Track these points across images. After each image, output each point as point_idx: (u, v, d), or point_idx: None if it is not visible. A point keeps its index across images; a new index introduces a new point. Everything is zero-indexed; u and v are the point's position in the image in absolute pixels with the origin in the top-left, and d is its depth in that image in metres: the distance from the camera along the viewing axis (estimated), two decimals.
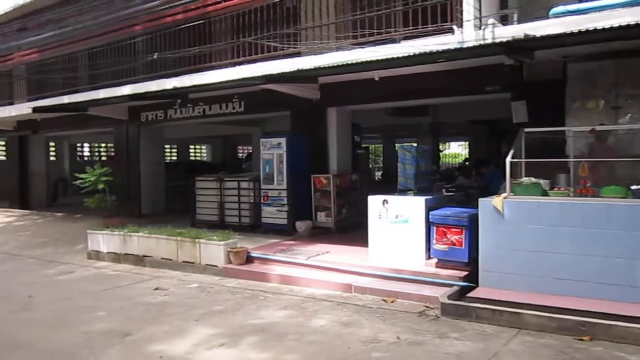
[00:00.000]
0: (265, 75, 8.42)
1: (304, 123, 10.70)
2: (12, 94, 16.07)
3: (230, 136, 23.35)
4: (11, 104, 15.63)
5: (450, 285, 6.43)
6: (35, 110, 12.77)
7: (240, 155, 28.91)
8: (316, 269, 7.59)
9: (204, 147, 29.59)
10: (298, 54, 9.19)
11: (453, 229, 6.71)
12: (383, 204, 7.33)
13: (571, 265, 5.72)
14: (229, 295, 7.10)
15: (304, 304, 6.53)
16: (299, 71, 8.18)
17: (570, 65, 7.33)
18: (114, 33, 11.86)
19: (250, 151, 26.06)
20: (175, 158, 26.85)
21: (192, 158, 28.80)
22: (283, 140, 10.09)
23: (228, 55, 10.22)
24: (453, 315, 5.73)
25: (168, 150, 25.11)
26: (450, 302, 5.87)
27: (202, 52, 10.41)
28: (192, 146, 28.78)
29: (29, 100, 14.45)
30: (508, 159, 6.20)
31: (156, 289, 7.58)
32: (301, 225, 9.82)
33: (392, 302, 6.41)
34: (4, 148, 22.38)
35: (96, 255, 9.97)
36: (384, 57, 7.10)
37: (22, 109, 14.19)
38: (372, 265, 7.22)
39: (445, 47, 6.91)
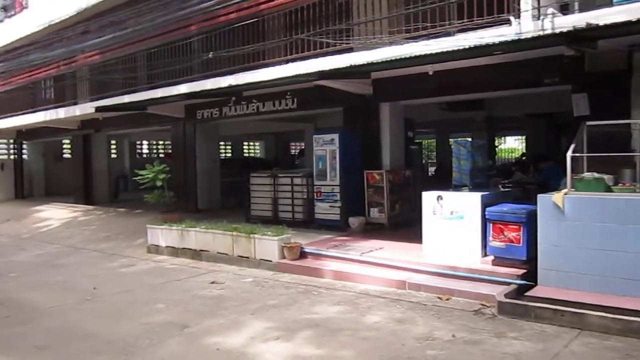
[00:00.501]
0: (318, 72, 8.43)
1: (356, 119, 10.68)
2: (76, 94, 16.77)
3: (282, 133, 23.63)
4: (75, 104, 16.31)
5: (508, 284, 6.28)
6: (98, 109, 13.29)
7: (293, 151, 29.17)
8: (370, 265, 7.57)
9: (257, 143, 30.03)
10: (350, 50, 9.15)
11: (510, 226, 6.54)
12: (437, 200, 7.23)
13: (638, 265, 5.46)
14: (283, 290, 7.19)
15: (358, 300, 6.53)
16: (351, 67, 8.15)
17: (637, 55, 6.98)
18: (171, 34, 12.17)
19: (303, 147, 26.25)
20: (229, 155, 27.36)
21: (246, 155, 29.30)
22: (336, 136, 10.10)
23: (281, 52, 10.31)
24: (511, 315, 5.59)
25: (223, 147, 25.58)
26: (508, 300, 5.74)
27: (255, 50, 10.54)
28: (245, 143, 29.26)
29: (92, 100, 15.03)
30: (569, 154, 5.98)
31: (212, 282, 7.76)
32: (354, 221, 9.81)
33: (447, 299, 6.32)
34: (69, 146, 23.50)
35: (155, 249, 10.30)
36: (439, 51, 6.97)
37: (86, 108, 14.81)
38: (427, 262, 7.14)
39: (502, 39, 6.72)
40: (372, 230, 9.70)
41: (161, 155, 24.97)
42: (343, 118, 11.02)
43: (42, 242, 13.07)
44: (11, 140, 22.11)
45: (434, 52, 7.02)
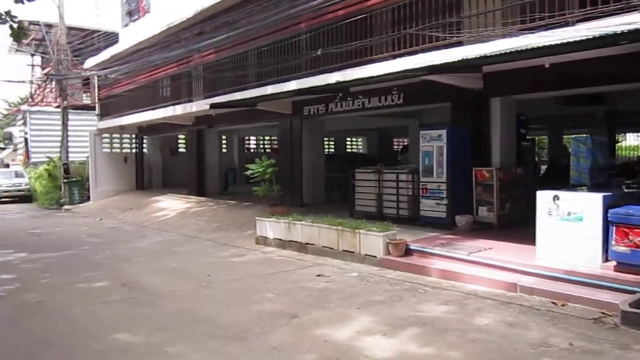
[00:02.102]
0: (428, 67, 8.30)
1: (464, 114, 10.38)
2: (191, 92, 17.79)
3: (386, 128, 23.47)
4: (190, 101, 17.31)
5: (632, 292, 5.81)
6: (212, 106, 14.00)
7: (396, 147, 28.94)
8: (478, 265, 7.34)
9: (359, 139, 30.14)
10: (459, 43, 8.91)
11: (637, 230, 6.05)
12: (553, 199, 6.85)
13: None
14: (388, 286, 7.18)
15: (466, 300, 6.36)
16: (463, 60, 7.93)
17: None
18: (280, 32, 12.57)
19: (406, 143, 25.95)
20: (333, 150, 27.70)
21: (349, 150, 29.51)
22: (443, 132, 9.89)
23: (389, 47, 10.25)
24: (636, 325, 5.17)
25: (326, 142, 25.96)
26: (634, 310, 5.31)
27: (362, 46, 10.57)
28: (348, 138, 29.47)
29: (205, 98, 15.88)
30: None
31: (318, 275, 7.92)
32: (461, 220, 9.56)
33: (563, 305, 5.98)
34: (183, 141, 25.03)
35: (263, 241, 10.69)
36: (559, 42, 6.58)
37: (201, 105, 15.66)
38: (540, 265, 6.80)
39: (630, 27, 6.21)
40: (480, 230, 9.40)
41: (268, 150, 25.86)
42: (451, 113, 10.76)
43: (160, 230, 14.04)
44: (133, 136, 23.93)
45: (553, 43, 6.64)
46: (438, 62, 8.29)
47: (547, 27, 7.41)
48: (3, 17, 8.04)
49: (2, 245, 12.01)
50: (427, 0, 9.51)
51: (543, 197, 7.00)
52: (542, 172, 19.12)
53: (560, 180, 9.31)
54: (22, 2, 8.20)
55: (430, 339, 5.08)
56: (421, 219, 10.20)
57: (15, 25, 8.18)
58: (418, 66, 8.66)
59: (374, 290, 6.97)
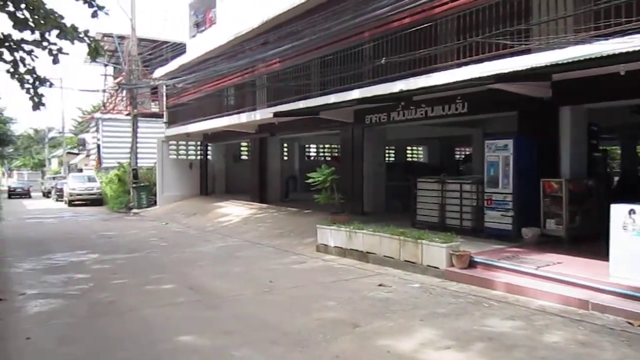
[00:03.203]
0: (495, 75, 8.11)
1: (532, 123, 10.06)
2: (255, 100, 18.19)
3: (447, 137, 23.10)
4: (254, 109, 17.69)
5: None
6: (276, 114, 14.23)
7: (458, 157, 28.44)
8: (546, 280, 7.09)
9: (420, 148, 29.83)
10: (527, 51, 8.68)
11: None
12: (630, 214, 6.52)
13: None
14: (452, 298, 7.05)
15: (533, 316, 6.15)
16: (533, 69, 7.71)
17: None
18: (344, 41, 12.64)
19: (468, 153, 25.47)
20: (393, 159, 27.54)
21: (409, 159, 29.26)
22: (509, 142, 9.63)
23: (454, 56, 10.12)
24: None
25: (387, 151, 25.82)
26: None
27: (427, 55, 10.48)
28: (409, 147, 29.22)
29: (269, 106, 16.18)
30: None
31: (380, 285, 7.88)
32: (528, 232, 9.26)
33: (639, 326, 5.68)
34: (246, 148, 25.59)
35: (324, 249, 10.74)
36: (637, 49, 6.29)
37: (265, 113, 15.96)
38: (614, 282, 6.48)
39: None
40: (548, 243, 9.06)
41: (327, 158, 26.01)
42: (517, 123, 10.46)
43: (223, 235, 14.37)
44: (198, 143, 24.67)
45: (631, 50, 6.35)
46: (505, 71, 8.09)
47: (623, 34, 7.10)
48: (81, 36, 8.49)
49: (76, 246, 12.67)
50: (495, 8, 9.33)
51: (618, 211, 6.68)
52: (614, 184, 18.26)
53: (634, 192, 8.86)
54: (97, 17, 8.63)
55: (498, 355, 4.94)
56: (485, 231, 9.96)
57: (92, 44, 8.62)
58: (484, 74, 8.49)
59: (437, 303, 6.86)
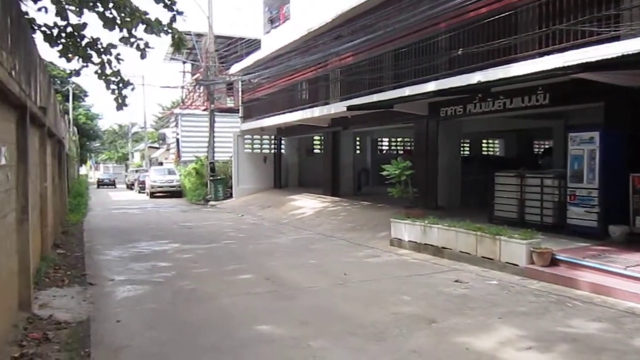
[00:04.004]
0: (581, 64, 7.70)
1: (620, 114, 9.49)
2: (328, 94, 18.29)
3: (525, 130, 22.21)
4: (326, 103, 17.80)
5: None
6: (350, 108, 14.25)
7: (536, 150, 27.30)
8: (636, 281, 6.69)
9: (496, 141, 28.90)
10: (616, 38, 8.19)
11: None
12: None
13: None
14: (532, 297, 6.81)
15: (622, 318, 5.84)
16: (624, 56, 7.23)
17: None
18: (418, 33, 12.46)
19: (548, 146, 24.39)
20: (467, 152, 26.86)
21: (485, 153, 28.43)
22: (596, 135, 9.14)
23: (535, 45, 9.72)
24: None
25: (462, 144, 25.23)
26: None
27: (506, 45, 10.13)
28: (484, 140, 28.38)
29: (342, 100, 16.22)
30: None
31: (456, 281, 7.73)
32: (615, 230, 8.76)
33: None
34: (318, 142, 25.83)
35: (398, 243, 10.67)
36: None
37: (338, 107, 16.02)
38: None
39: None
40: (637, 242, 8.52)
41: (400, 152, 25.77)
42: (604, 114, 9.90)
43: (296, 227, 14.59)
44: (272, 137, 25.14)
45: None
46: (592, 59, 7.66)
47: None
48: (165, 29, 8.88)
49: (159, 236, 13.30)
50: None
51: None
52: None
53: None
54: (175, 21, 8.98)
55: (584, 358, 4.73)
56: (567, 227, 9.53)
57: (176, 36, 8.99)
58: (569, 64, 8.09)
59: (517, 301, 6.64)
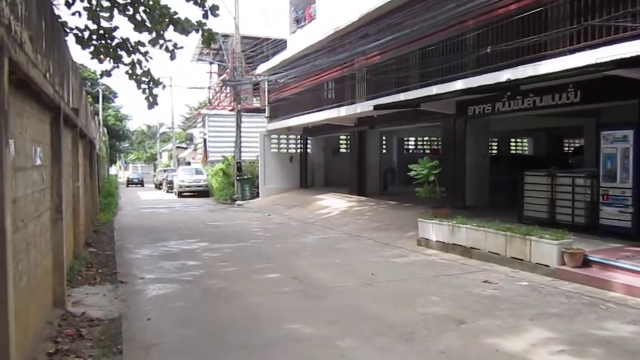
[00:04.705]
0: (615, 60, 7.52)
1: None
2: (354, 94, 18.24)
3: (555, 128, 21.84)
4: (352, 103, 17.75)
5: None
6: (376, 107, 14.18)
7: (566, 149, 26.80)
8: None
9: (525, 140, 28.46)
10: None
11: None
12: None
13: None
14: (564, 298, 6.69)
15: None
16: None
17: None
18: (446, 31, 12.33)
19: (579, 145, 23.92)
20: (495, 151, 26.51)
21: (513, 152, 28.02)
22: (630, 133, 8.91)
23: (566, 42, 9.53)
24: None
25: (490, 143, 24.89)
26: None
27: (536, 42, 9.96)
28: (513, 139, 27.98)
29: (368, 99, 16.16)
30: None
31: (485, 281, 7.65)
32: None
33: None
34: (344, 142, 25.81)
35: (425, 243, 10.59)
36: None
37: (364, 106, 15.97)
38: None
39: None
40: None
41: (426, 151, 25.58)
42: (638, 111, 9.65)
43: (323, 227, 14.61)
44: (298, 136, 25.21)
45: None
46: (625, 55, 7.48)
47: None
48: (195, 27, 8.99)
49: (187, 235, 13.46)
50: None
51: None
52: None
53: None
54: (207, 18, 9.06)
55: None
56: (600, 228, 9.33)
57: (206, 33, 9.09)
58: (601, 60, 7.92)
59: (548, 302, 6.54)
